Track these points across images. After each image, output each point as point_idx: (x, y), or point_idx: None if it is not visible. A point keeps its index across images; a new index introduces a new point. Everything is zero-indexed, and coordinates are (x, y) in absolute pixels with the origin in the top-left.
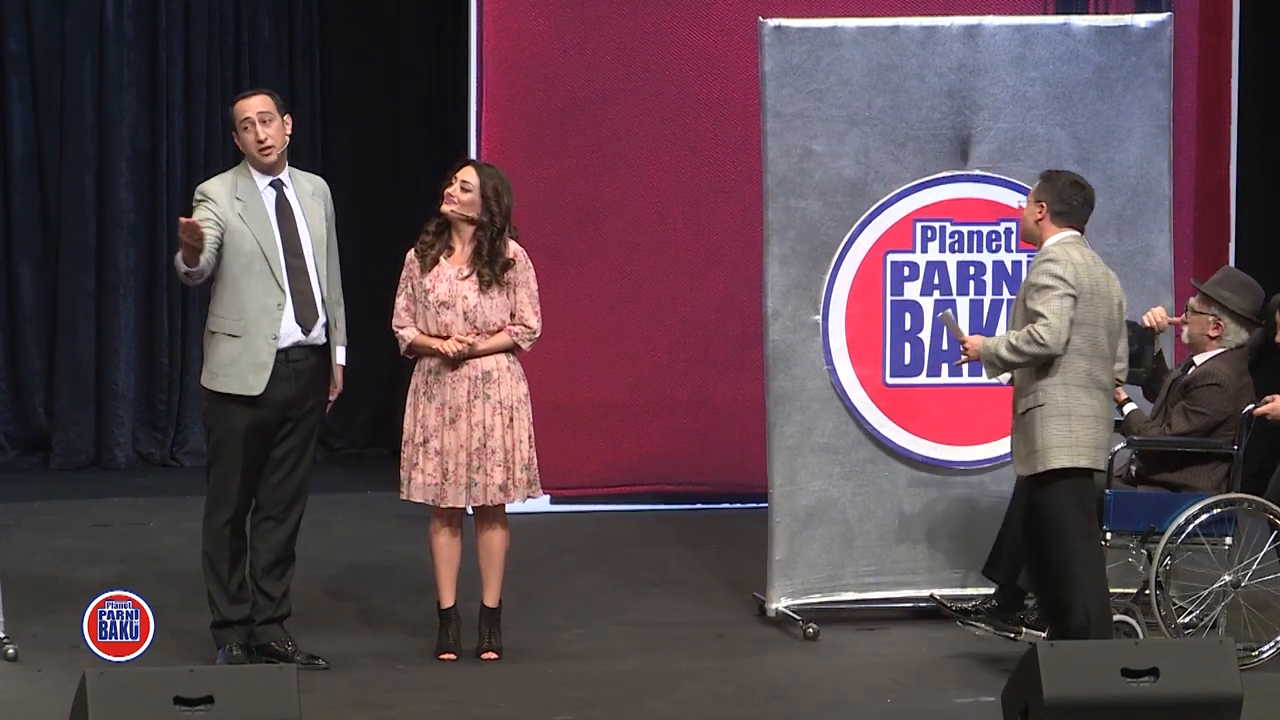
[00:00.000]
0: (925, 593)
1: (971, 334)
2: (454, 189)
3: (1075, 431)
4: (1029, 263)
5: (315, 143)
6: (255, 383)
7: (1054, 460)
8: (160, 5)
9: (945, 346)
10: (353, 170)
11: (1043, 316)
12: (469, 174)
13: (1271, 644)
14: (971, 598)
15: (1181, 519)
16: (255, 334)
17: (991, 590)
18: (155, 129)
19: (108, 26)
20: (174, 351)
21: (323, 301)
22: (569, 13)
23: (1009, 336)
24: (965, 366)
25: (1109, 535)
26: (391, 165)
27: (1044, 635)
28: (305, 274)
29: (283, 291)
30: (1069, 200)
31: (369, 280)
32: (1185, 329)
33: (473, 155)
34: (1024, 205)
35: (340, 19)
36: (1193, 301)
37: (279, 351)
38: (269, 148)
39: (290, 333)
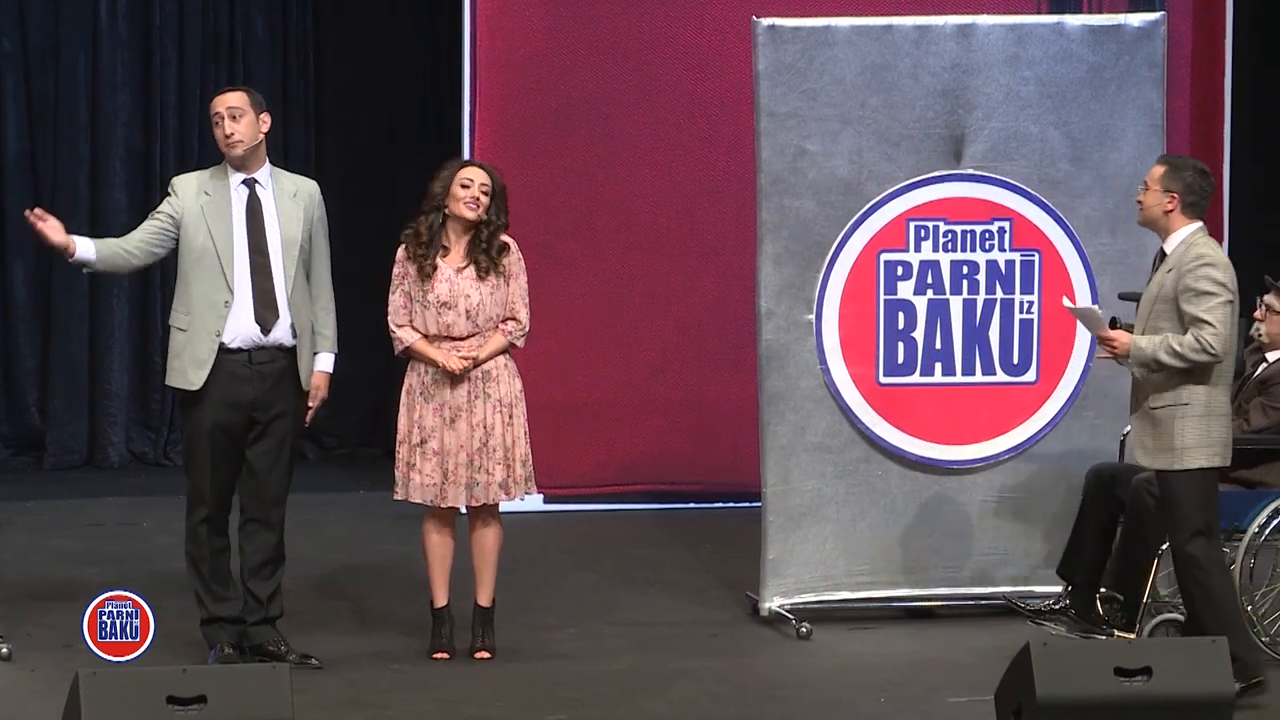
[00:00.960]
0: (917, 592)
1: (965, 334)
2: (473, 192)
3: (1213, 431)
4: (1015, 262)
5: (309, 143)
6: (195, 378)
7: (1191, 460)
8: (154, 5)
9: (939, 346)
10: (346, 171)
11: (1209, 325)
12: (482, 176)
13: None
14: (1042, 596)
15: (1263, 516)
16: (199, 329)
17: (1058, 590)
18: (149, 128)
19: (102, 26)
20: (167, 351)
21: (288, 303)
22: (562, 13)
23: (1170, 341)
24: (959, 364)
25: None
26: (385, 166)
27: (1132, 636)
28: (268, 273)
29: (230, 290)
30: (1199, 191)
31: (362, 281)
32: (1263, 326)
33: (466, 155)
34: (1144, 190)
35: (334, 19)
36: (1271, 299)
37: (241, 352)
38: (235, 142)
39: (247, 332)
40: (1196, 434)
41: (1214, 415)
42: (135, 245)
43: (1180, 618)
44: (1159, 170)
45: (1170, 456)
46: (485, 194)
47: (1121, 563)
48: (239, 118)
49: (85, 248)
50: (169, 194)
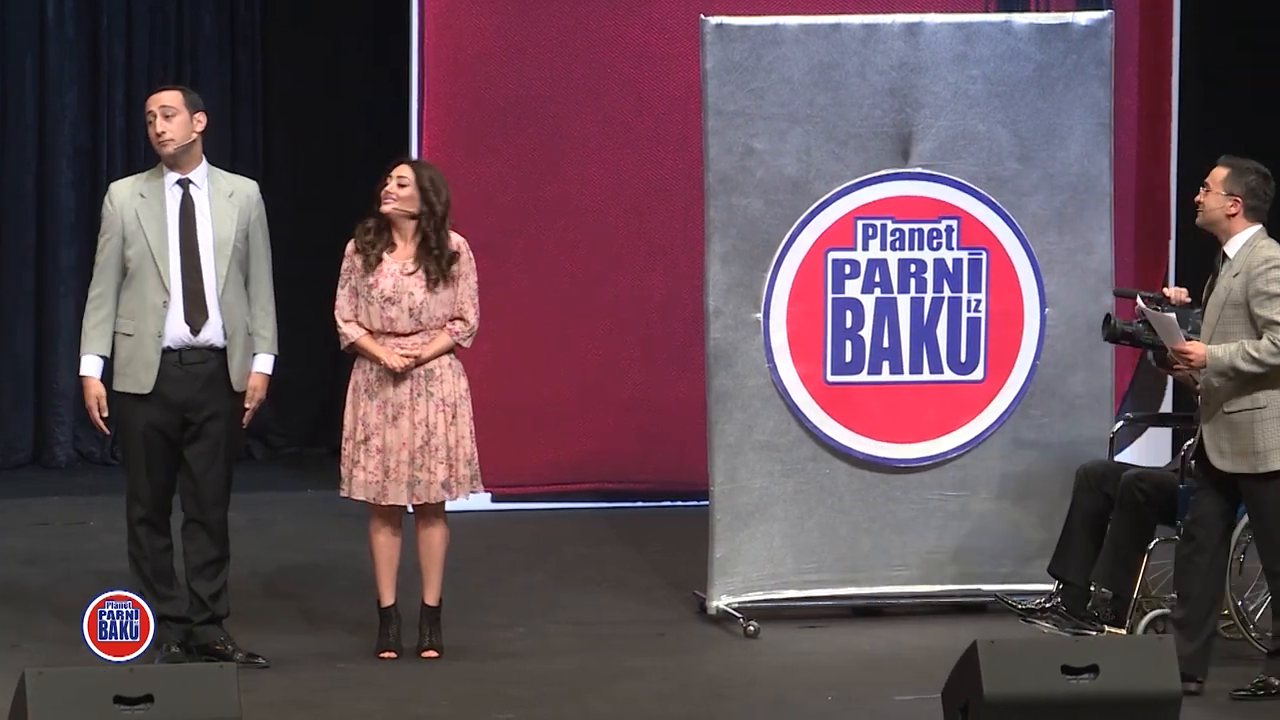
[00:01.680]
0: (864, 590)
1: (913, 332)
2: (391, 186)
3: None
4: (963, 260)
5: (257, 141)
6: (146, 380)
7: (1275, 462)
8: (101, 4)
9: (887, 344)
10: (294, 169)
11: None
12: (404, 170)
13: None
14: (1031, 594)
15: None
16: (144, 332)
17: (1050, 588)
18: (96, 127)
19: (49, 25)
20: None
21: (219, 304)
22: (510, 11)
23: (1246, 348)
24: (907, 362)
25: (1183, 530)
26: (334, 164)
27: (1123, 631)
28: (199, 274)
29: (167, 290)
30: (1261, 195)
31: (310, 280)
32: None
33: (414, 154)
34: (1205, 191)
35: (282, 17)
36: None
37: (172, 352)
38: (167, 140)
39: (178, 333)
40: (1278, 435)
41: None
42: (113, 303)
43: (1171, 612)
44: (1222, 173)
45: (1254, 460)
46: (402, 186)
47: (1112, 559)
48: (171, 117)
49: (97, 367)
50: (106, 204)
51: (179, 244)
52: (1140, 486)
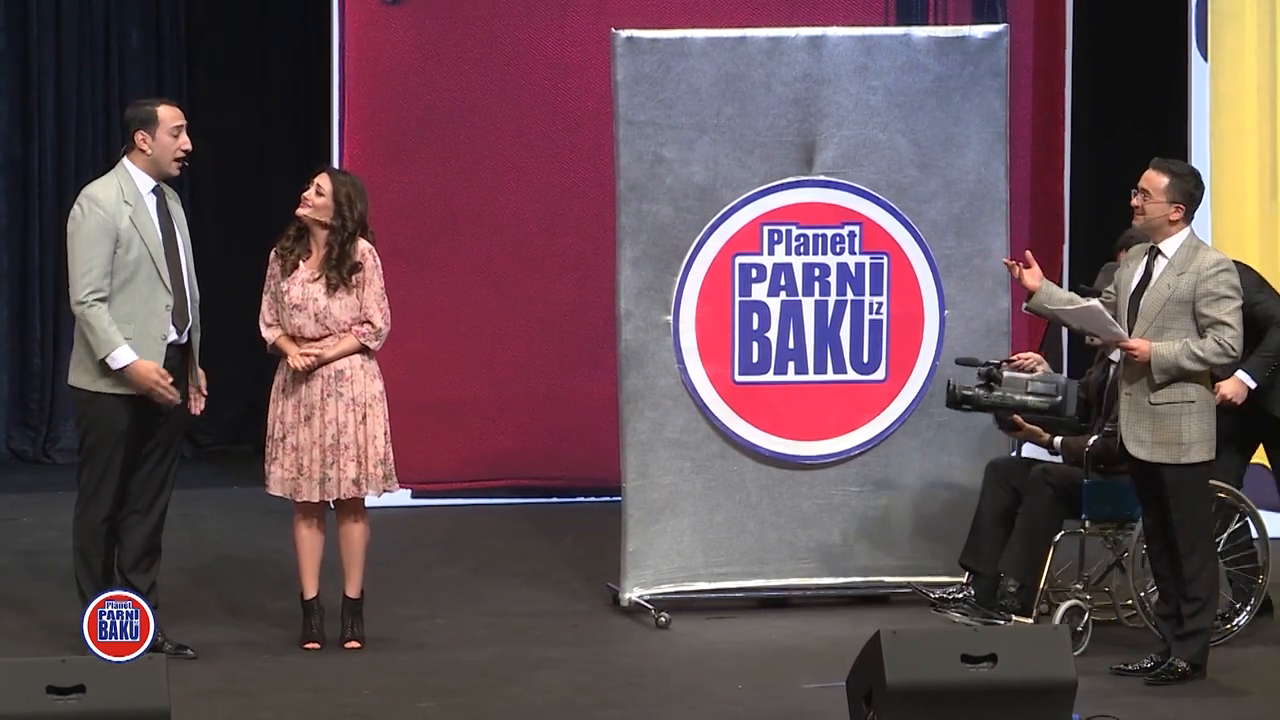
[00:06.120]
0: (771, 582)
1: (817, 334)
2: (309, 193)
3: (1209, 426)
4: (865, 265)
5: None
6: None
7: (1197, 455)
8: (32, 17)
9: (792, 345)
10: (219, 178)
11: (1230, 327)
12: (323, 180)
13: (1246, 610)
14: (943, 585)
15: None
16: (146, 335)
17: (961, 580)
18: (28, 136)
19: None
20: (47, 352)
21: (193, 305)
22: (428, 25)
23: (1191, 347)
24: (811, 363)
25: (1088, 524)
26: (257, 173)
27: (1030, 620)
28: (182, 277)
29: (169, 293)
30: (1197, 200)
31: (235, 284)
32: None
33: (335, 163)
34: (1144, 194)
35: (207, 30)
36: None
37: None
38: (186, 157)
39: (171, 335)
40: (1200, 429)
41: (1210, 410)
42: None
43: (1081, 604)
44: (1163, 180)
45: (1177, 451)
46: (319, 195)
47: (1019, 550)
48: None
49: (129, 354)
50: (90, 210)
51: (164, 249)
52: (1048, 480)
